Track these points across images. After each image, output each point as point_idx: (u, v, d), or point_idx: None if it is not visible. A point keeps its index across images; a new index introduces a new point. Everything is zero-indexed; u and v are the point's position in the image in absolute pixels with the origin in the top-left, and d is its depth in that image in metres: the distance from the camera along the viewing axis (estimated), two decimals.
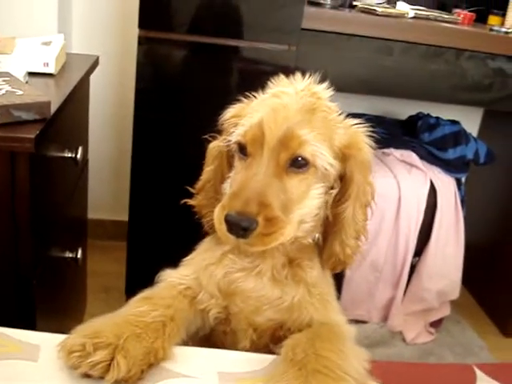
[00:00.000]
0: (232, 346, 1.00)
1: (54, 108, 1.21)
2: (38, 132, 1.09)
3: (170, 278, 1.00)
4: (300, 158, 0.88)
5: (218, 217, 0.86)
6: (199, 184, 1.06)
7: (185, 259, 1.04)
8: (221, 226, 0.85)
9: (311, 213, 0.93)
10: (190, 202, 1.07)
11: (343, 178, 0.94)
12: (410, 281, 2.20)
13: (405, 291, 2.20)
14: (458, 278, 2.26)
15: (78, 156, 1.45)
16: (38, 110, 1.14)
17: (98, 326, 0.82)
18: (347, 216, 0.94)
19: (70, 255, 1.60)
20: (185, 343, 0.93)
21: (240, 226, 0.83)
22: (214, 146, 1.02)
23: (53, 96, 1.30)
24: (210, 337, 1.03)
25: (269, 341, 0.98)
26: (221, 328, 1.01)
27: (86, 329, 0.81)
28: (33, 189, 1.17)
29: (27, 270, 1.23)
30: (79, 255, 1.62)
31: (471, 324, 2.43)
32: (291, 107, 0.90)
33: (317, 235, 0.98)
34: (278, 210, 0.85)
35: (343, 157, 0.93)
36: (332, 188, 0.94)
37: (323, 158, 0.89)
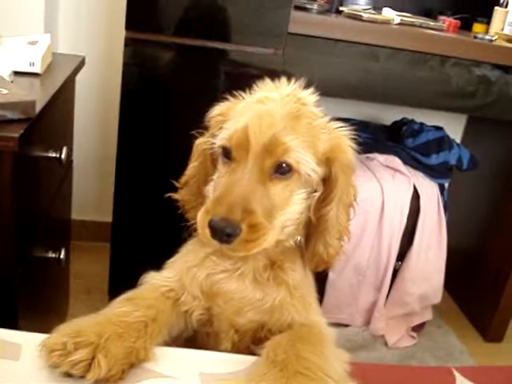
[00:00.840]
0: (214, 347, 1.00)
1: (39, 107, 1.20)
2: (22, 131, 1.09)
3: (153, 280, 1.00)
4: (284, 165, 0.89)
5: (201, 221, 0.87)
6: (183, 179, 1.07)
7: (168, 261, 1.05)
8: (204, 231, 0.86)
9: (293, 218, 0.94)
10: (174, 195, 1.08)
11: (327, 181, 0.95)
12: (392, 285, 2.21)
13: (387, 295, 2.21)
14: (440, 282, 2.28)
15: (63, 156, 1.44)
16: (23, 110, 1.14)
17: (80, 326, 0.82)
18: (331, 217, 0.95)
19: (53, 255, 1.59)
20: (167, 345, 0.93)
21: (224, 232, 0.83)
22: (200, 143, 1.03)
23: (38, 95, 1.30)
24: (193, 339, 1.04)
25: (250, 342, 0.98)
26: (203, 330, 1.01)
27: (68, 328, 0.81)
28: (16, 188, 1.16)
29: (9, 269, 1.23)
30: (62, 255, 1.62)
31: (453, 328, 2.45)
32: (276, 114, 0.90)
33: (299, 238, 0.99)
34: (261, 217, 0.86)
35: (327, 160, 0.94)
36: (315, 191, 0.95)
37: (307, 164, 0.90)
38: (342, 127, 0.97)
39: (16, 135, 1.07)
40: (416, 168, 2.18)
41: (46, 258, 1.57)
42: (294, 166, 0.89)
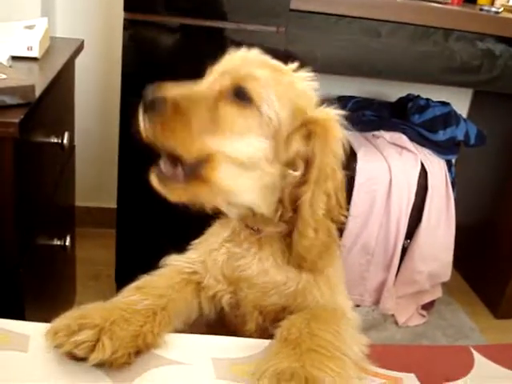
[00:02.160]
0: (239, 329, 0.99)
1: (38, 92, 1.18)
2: (22, 116, 1.06)
3: (176, 262, 0.99)
4: (243, 90, 0.84)
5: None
6: None
7: (192, 243, 1.03)
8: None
9: (252, 161, 0.86)
10: None
11: (307, 162, 0.88)
12: (401, 263, 2.19)
13: (396, 274, 2.19)
14: (449, 259, 2.26)
15: (65, 141, 1.42)
16: (22, 94, 1.11)
17: (86, 310, 0.80)
18: (304, 201, 0.87)
19: (58, 243, 1.58)
20: (182, 332, 0.91)
21: (149, 97, 0.83)
22: None
23: (37, 80, 1.27)
24: (214, 323, 1.02)
25: (270, 324, 0.95)
26: (232, 312, 0.99)
27: (73, 312, 0.79)
28: (18, 175, 1.14)
29: (13, 258, 1.21)
30: (67, 242, 1.60)
31: (462, 306, 2.44)
32: (260, 58, 0.91)
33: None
34: (192, 116, 0.83)
35: (308, 134, 0.88)
36: (294, 170, 0.89)
37: (270, 103, 0.85)
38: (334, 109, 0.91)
39: (16, 120, 1.05)
40: (423, 145, 2.15)
41: (50, 246, 1.55)
42: (254, 96, 0.84)
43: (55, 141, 1.41)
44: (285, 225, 0.93)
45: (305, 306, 0.93)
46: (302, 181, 0.88)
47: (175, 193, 0.86)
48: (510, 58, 2.02)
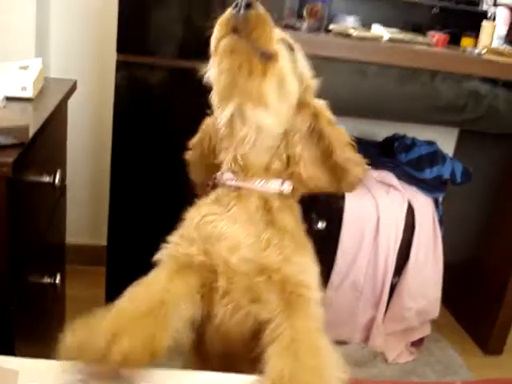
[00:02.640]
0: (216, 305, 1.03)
1: (32, 132, 1.20)
2: (16, 156, 1.08)
3: (164, 252, 1.04)
4: (287, 43, 1.04)
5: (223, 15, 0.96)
6: (194, 139, 1.17)
7: None
8: (223, 15, 0.96)
9: (288, 93, 1.01)
10: (186, 156, 1.18)
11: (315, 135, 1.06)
12: (390, 300, 2.21)
13: (385, 311, 2.20)
14: (437, 296, 2.28)
15: (56, 181, 1.44)
16: (16, 135, 1.13)
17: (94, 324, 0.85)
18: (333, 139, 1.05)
19: (49, 281, 1.58)
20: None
21: (245, 2, 0.92)
22: (208, 121, 1.14)
23: (31, 120, 1.29)
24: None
25: (246, 300, 1.00)
26: (204, 276, 1.02)
27: (81, 328, 0.85)
28: (10, 214, 1.16)
29: (5, 296, 1.21)
30: (58, 281, 1.61)
31: (451, 343, 2.44)
32: None
33: (286, 185, 1.06)
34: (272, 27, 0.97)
35: (313, 113, 1.06)
36: (295, 133, 1.05)
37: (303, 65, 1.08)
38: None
39: (10, 160, 1.07)
40: (410, 183, 2.19)
41: (41, 284, 1.55)
42: (294, 50, 1.05)
43: (47, 180, 1.43)
44: (274, 176, 1.06)
45: (275, 269, 0.99)
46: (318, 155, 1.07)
47: (234, 65, 0.96)
48: (494, 98, 2.06)
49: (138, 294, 0.94)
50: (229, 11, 0.94)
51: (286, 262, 1.00)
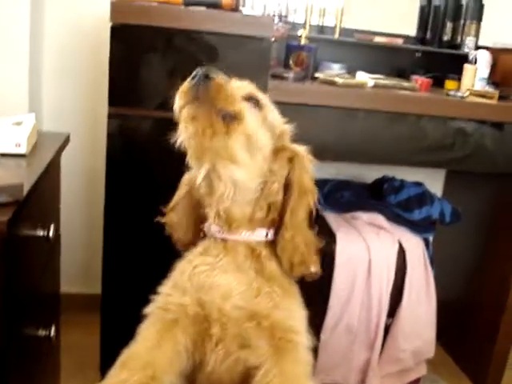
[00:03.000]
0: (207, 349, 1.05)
1: (26, 189, 1.22)
2: (10, 215, 1.10)
3: (155, 305, 1.09)
4: (256, 98, 1.09)
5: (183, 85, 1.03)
6: (171, 204, 1.23)
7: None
8: (184, 88, 1.02)
9: (257, 146, 1.06)
10: (162, 219, 1.25)
11: (287, 182, 1.11)
12: (385, 342, 2.21)
13: (380, 353, 2.20)
14: (432, 336, 2.28)
15: (50, 234, 1.46)
16: (11, 193, 1.16)
17: None
18: (287, 209, 1.09)
19: (44, 333, 1.59)
20: None
21: (202, 73, 0.99)
22: (186, 178, 1.21)
23: (25, 177, 1.32)
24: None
25: (236, 346, 1.04)
26: (198, 325, 1.05)
27: None
28: (5, 269, 1.17)
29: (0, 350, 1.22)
30: (52, 333, 1.61)
31: (448, 382, 2.44)
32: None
33: (270, 234, 1.12)
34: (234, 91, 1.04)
35: (290, 158, 1.12)
36: (273, 182, 1.10)
37: (271, 113, 1.13)
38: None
39: (5, 219, 1.09)
40: (400, 224, 2.21)
41: (36, 337, 1.56)
42: (263, 104, 1.10)
43: (41, 234, 1.45)
44: (257, 225, 1.11)
45: (265, 315, 1.03)
46: (286, 198, 1.11)
47: (198, 131, 1.01)
48: (481, 137, 2.10)
49: (130, 363, 0.96)
50: (188, 82, 1.01)
51: (275, 309, 1.03)
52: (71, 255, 2.42)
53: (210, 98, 0.99)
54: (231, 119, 1.01)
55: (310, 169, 1.13)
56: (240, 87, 1.10)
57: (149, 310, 1.09)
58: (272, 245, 1.12)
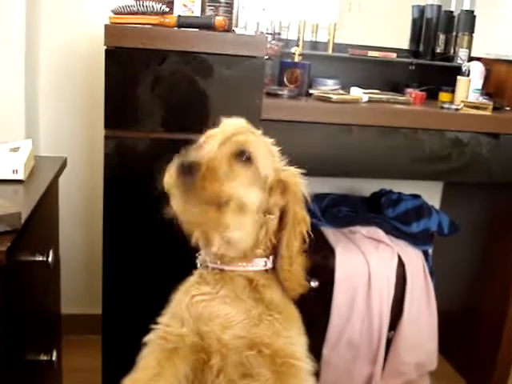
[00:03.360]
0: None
1: (24, 217, 1.23)
2: (9, 245, 1.11)
3: (154, 335, 1.09)
4: (246, 153, 1.08)
5: (170, 167, 1.06)
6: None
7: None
8: (171, 173, 1.05)
9: (250, 208, 1.08)
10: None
11: (282, 211, 1.14)
12: (387, 356, 2.21)
13: (383, 367, 2.20)
14: (434, 348, 2.28)
15: (50, 259, 1.47)
16: (9, 222, 1.16)
17: None
18: (282, 241, 1.13)
19: (45, 358, 1.59)
20: None
21: (186, 166, 1.01)
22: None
23: (22, 204, 1.33)
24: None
25: (237, 375, 1.04)
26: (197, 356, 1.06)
27: None
28: (5, 296, 1.18)
29: (1, 375, 1.22)
30: (54, 357, 1.61)
31: None
32: (245, 125, 1.16)
33: (268, 262, 1.14)
34: (220, 172, 1.04)
35: (282, 190, 1.14)
36: (271, 214, 1.13)
37: (263, 163, 1.09)
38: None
39: (3, 249, 1.09)
40: (398, 237, 2.22)
41: (37, 361, 1.56)
42: (253, 159, 1.08)
43: (40, 259, 1.45)
44: (255, 257, 1.13)
45: (266, 343, 1.04)
46: (280, 228, 1.14)
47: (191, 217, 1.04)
48: (477, 145, 2.10)
49: None
50: (176, 169, 1.03)
51: (276, 336, 1.04)
52: (72, 276, 2.42)
53: (198, 190, 1.01)
54: (222, 204, 1.04)
55: (301, 197, 1.16)
56: (232, 124, 1.15)
57: (148, 338, 1.10)
58: (270, 271, 1.14)
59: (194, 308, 1.07)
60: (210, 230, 1.06)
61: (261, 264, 1.13)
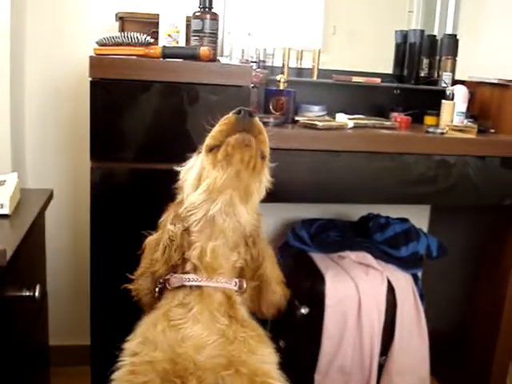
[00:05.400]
0: None
1: (9, 253, 1.21)
2: None
3: (121, 372, 1.08)
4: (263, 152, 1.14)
5: (224, 119, 1.14)
6: (139, 271, 1.27)
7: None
8: (229, 116, 1.13)
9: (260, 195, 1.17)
10: (130, 286, 1.29)
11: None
12: (379, 381, 2.19)
13: None
14: (426, 371, 2.27)
15: (36, 294, 1.45)
16: None
17: None
18: (268, 273, 1.21)
19: None
20: None
21: (247, 110, 1.09)
22: (152, 239, 1.27)
23: (8, 239, 1.31)
24: None
25: None
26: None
27: None
28: None
29: None
30: None
31: None
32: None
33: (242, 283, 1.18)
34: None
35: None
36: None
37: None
38: None
39: None
40: (387, 261, 2.21)
41: None
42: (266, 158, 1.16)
43: (27, 294, 1.44)
44: (234, 275, 1.17)
45: (242, 361, 1.04)
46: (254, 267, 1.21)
47: (244, 159, 1.09)
48: (464, 165, 2.11)
49: None
50: (233, 116, 1.10)
51: (251, 354, 1.04)
52: (59, 307, 2.40)
53: (256, 134, 1.08)
54: (263, 159, 1.11)
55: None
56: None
57: (115, 376, 1.08)
58: (243, 292, 1.19)
59: (170, 331, 1.07)
60: (240, 191, 1.09)
61: (237, 283, 1.17)
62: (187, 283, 1.13)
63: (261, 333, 1.15)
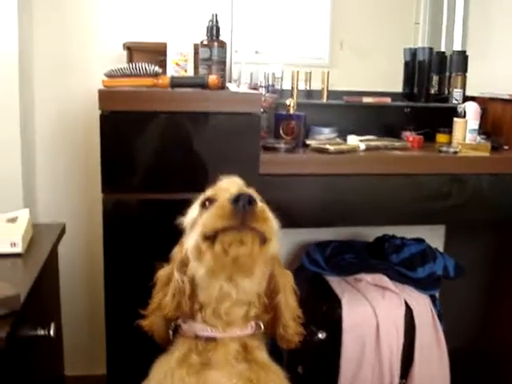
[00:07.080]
0: None
1: (23, 295, 1.21)
2: (8, 329, 1.08)
3: None
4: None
5: (220, 202, 1.05)
6: (151, 306, 1.26)
7: None
8: (225, 204, 1.02)
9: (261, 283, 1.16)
10: (142, 322, 1.28)
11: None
12: None
13: None
14: None
15: (51, 332, 1.44)
16: (8, 305, 1.14)
17: None
18: (283, 305, 1.19)
19: None
20: None
21: (247, 197, 1.00)
22: (163, 274, 1.24)
23: (21, 280, 1.31)
24: None
25: None
26: None
27: None
28: (6, 377, 1.15)
29: None
30: None
31: None
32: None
33: (261, 324, 1.18)
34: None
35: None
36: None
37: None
38: None
39: (3, 335, 1.06)
40: (404, 283, 2.18)
41: None
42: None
43: (42, 333, 1.42)
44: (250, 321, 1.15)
45: None
46: (270, 292, 1.20)
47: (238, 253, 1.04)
48: (476, 180, 2.09)
49: None
50: (229, 206, 1.01)
51: None
52: (75, 338, 2.39)
53: (255, 224, 1.02)
54: (265, 242, 1.06)
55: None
56: (234, 180, 1.18)
57: None
58: (257, 332, 1.18)
59: (189, 378, 1.06)
60: (240, 273, 1.07)
61: (250, 327, 1.15)
62: (201, 333, 1.12)
63: (281, 375, 1.14)
